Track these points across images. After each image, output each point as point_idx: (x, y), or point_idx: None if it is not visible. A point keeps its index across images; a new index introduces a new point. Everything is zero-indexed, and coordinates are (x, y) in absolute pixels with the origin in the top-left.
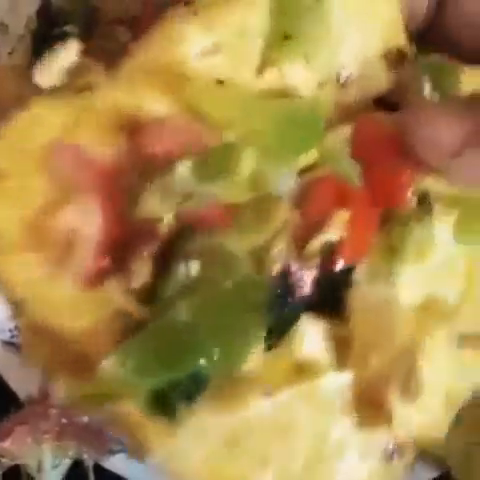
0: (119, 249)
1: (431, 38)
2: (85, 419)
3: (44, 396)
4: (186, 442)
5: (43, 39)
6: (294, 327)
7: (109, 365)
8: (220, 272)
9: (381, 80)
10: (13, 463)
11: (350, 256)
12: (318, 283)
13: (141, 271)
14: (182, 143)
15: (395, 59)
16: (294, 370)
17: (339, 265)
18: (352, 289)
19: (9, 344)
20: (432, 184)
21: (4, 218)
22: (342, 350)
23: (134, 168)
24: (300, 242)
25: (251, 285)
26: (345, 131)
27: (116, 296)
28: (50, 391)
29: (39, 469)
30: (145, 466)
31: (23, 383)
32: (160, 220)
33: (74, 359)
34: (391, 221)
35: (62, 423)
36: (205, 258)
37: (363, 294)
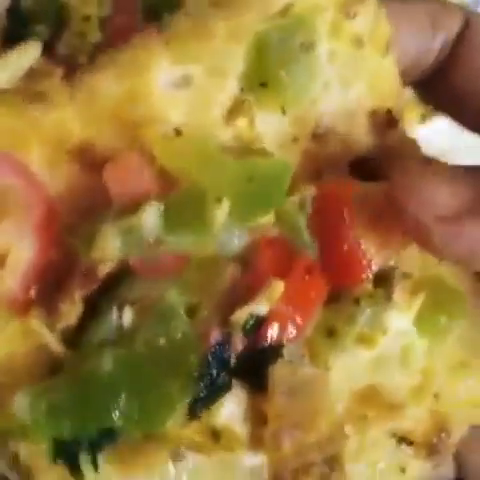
0: (50, 282)
1: (435, 87)
2: None
3: None
4: None
5: (13, 38)
6: (221, 397)
7: (20, 402)
8: (155, 326)
9: (362, 140)
10: None
11: (279, 332)
12: (244, 354)
13: (69, 312)
14: (144, 184)
15: (383, 121)
16: (210, 438)
17: (265, 340)
18: (277, 366)
19: None
20: (400, 262)
21: None
22: (259, 427)
23: (88, 202)
24: (231, 308)
25: (185, 348)
26: (309, 193)
27: (39, 331)
28: None
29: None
30: None
31: None
32: (106, 262)
33: None
34: (341, 299)
35: None
36: (142, 308)
37: (289, 372)
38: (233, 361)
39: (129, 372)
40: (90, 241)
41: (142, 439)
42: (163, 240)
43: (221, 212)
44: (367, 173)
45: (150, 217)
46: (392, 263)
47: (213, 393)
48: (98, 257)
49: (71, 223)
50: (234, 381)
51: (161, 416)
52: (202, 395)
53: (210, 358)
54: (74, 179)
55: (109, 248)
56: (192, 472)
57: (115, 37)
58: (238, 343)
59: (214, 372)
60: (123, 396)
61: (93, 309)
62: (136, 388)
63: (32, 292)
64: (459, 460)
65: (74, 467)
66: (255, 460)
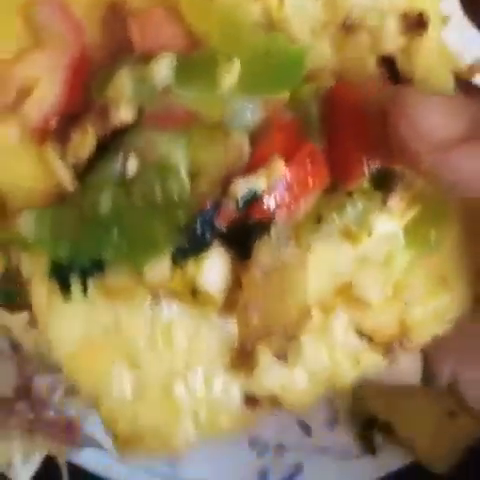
0: (68, 118)
1: None
2: (52, 413)
3: (17, 395)
4: (70, 316)
5: None
6: (202, 253)
7: (26, 218)
8: (155, 178)
9: (392, 39)
10: None
11: (271, 211)
12: (235, 225)
13: (81, 145)
14: (165, 39)
15: (413, 23)
16: (189, 293)
17: (256, 215)
18: (263, 241)
19: None
20: (406, 171)
21: None
22: (234, 294)
23: (112, 48)
24: (231, 180)
25: (178, 203)
26: (327, 84)
27: (52, 160)
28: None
29: (9, 465)
30: (114, 461)
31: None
32: (119, 106)
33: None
34: (335, 191)
35: (30, 418)
36: (146, 159)
37: (272, 249)
38: (222, 229)
39: (123, 212)
40: (107, 83)
41: (127, 277)
42: (172, 92)
43: (230, 72)
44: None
45: (163, 67)
46: (398, 169)
47: (195, 248)
48: (111, 97)
49: (96, 68)
50: (220, 248)
51: (146, 255)
52: (185, 246)
53: (199, 217)
54: (106, 27)
55: (122, 90)
56: (168, 316)
57: None
58: (230, 212)
59: (200, 230)
60: (115, 231)
61: (103, 156)
62: (127, 227)
63: (51, 124)
64: (454, 376)
65: (64, 287)
66: (226, 324)
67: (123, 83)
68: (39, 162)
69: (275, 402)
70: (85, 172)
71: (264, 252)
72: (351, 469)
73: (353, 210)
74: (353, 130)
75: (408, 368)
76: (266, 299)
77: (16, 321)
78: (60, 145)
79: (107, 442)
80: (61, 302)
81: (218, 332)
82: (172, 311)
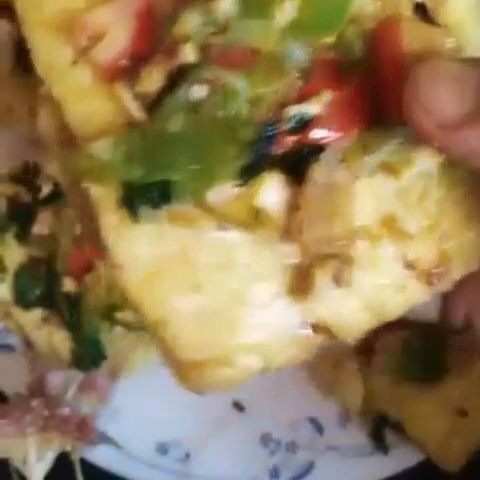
0: (137, 59)
1: None
2: (67, 410)
3: (31, 392)
4: (138, 242)
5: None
6: (260, 175)
7: (102, 144)
8: (219, 103)
9: None
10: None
11: (322, 136)
12: (288, 151)
13: (150, 80)
14: None
15: None
16: (250, 216)
17: (308, 140)
18: (316, 165)
19: None
20: None
21: None
22: (291, 216)
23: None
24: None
25: (244, 122)
26: (371, 26)
27: (122, 95)
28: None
29: (25, 462)
30: (131, 459)
31: (12, 383)
32: (185, 43)
33: (70, 138)
34: (379, 126)
35: (44, 415)
36: (212, 87)
37: (324, 172)
38: (279, 153)
39: (193, 135)
40: (173, 23)
41: (193, 204)
42: (235, 27)
43: (286, 8)
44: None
45: (227, 2)
46: None
47: (255, 170)
48: (177, 35)
49: (163, 12)
50: (278, 172)
51: (213, 177)
52: (246, 168)
53: (258, 142)
54: None
55: (187, 28)
56: (231, 241)
57: None
58: (285, 137)
59: (259, 153)
60: (183, 153)
61: (170, 90)
62: (196, 148)
63: (121, 64)
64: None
65: (134, 214)
66: (285, 247)
67: (189, 21)
68: (110, 99)
69: (329, 330)
70: (154, 105)
71: (317, 173)
72: (363, 467)
73: (395, 144)
74: (394, 70)
75: (427, 304)
76: (320, 221)
77: (29, 318)
78: (129, 81)
79: (120, 439)
80: (130, 229)
81: (279, 256)
82: (235, 236)
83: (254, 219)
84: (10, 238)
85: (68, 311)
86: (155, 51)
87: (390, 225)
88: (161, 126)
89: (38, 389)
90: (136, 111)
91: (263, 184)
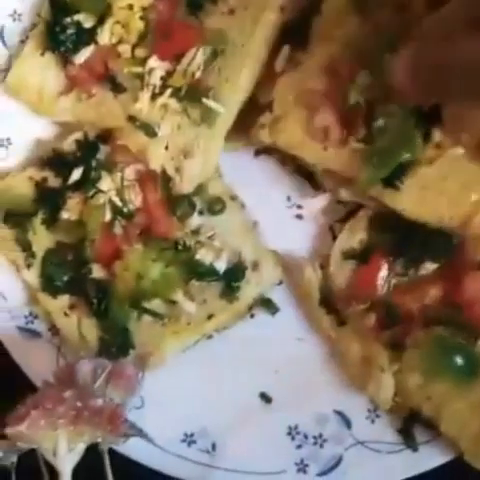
0: None
1: None
2: (100, 402)
3: (59, 381)
4: None
5: (55, 28)
6: None
7: None
8: None
9: None
10: (29, 447)
11: None
12: None
13: None
14: None
15: None
16: None
17: None
18: None
19: (25, 330)
20: None
21: None
22: None
23: None
24: None
25: None
26: None
27: None
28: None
29: (54, 453)
30: (158, 450)
31: (39, 369)
32: None
33: None
34: None
35: (77, 407)
36: None
37: None
38: None
39: None
40: None
41: None
42: None
43: None
44: None
45: None
46: None
47: None
48: None
49: None
50: None
51: None
52: None
53: None
54: None
55: None
56: None
57: (158, 27)
58: None
59: None
60: None
61: None
62: None
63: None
64: None
65: None
66: None
67: None
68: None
69: None
70: None
71: None
72: (391, 463)
73: None
74: None
75: None
76: None
77: (57, 304)
78: None
79: (147, 429)
80: None
81: None
82: None
83: None
84: (38, 224)
85: (96, 298)
86: None
87: None
88: None
89: (67, 378)
90: None
91: None
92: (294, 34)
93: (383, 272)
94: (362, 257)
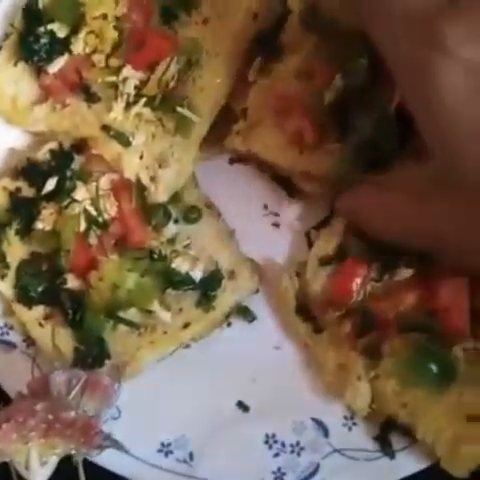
0: None
1: None
2: (72, 414)
3: (33, 392)
4: None
5: (28, 37)
6: None
7: None
8: None
9: None
10: (1, 460)
11: None
12: None
13: None
14: None
15: None
16: None
17: None
18: None
19: (0, 341)
20: None
21: None
22: None
23: None
24: None
25: None
26: None
27: None
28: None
29: (27, 467)
30: (135, 461)
31: (14, 380)
32: None
33: None
34: None
35: (48, 419)
36: None
37: None
38: None
39: None
40: None
41: None
42: None
43: None
44: None
45: None
46: None
47: None
48: None
49: None
50: None
51: None
52: None
53: None
54: None
55: None
56: None
57: (132, 37)
58: None
59: None
60: None
61: None
62: None
63: None
64: None
65: None
66: None
67: None
68: None
69: None
70: None
71: None
72: (369, 471)
73: None
74: None
75: None
76: None
77: (32, 315)
78: None
79: (123, 440)
80: None
81: None
82: None
83: None
84: (12, 234)
85: (71, 309)
86: None
87: None
88: None
89: (41, 389)
90: None
91: None
92: (267, 44)
93: (358, 278)
94: (338, 263)
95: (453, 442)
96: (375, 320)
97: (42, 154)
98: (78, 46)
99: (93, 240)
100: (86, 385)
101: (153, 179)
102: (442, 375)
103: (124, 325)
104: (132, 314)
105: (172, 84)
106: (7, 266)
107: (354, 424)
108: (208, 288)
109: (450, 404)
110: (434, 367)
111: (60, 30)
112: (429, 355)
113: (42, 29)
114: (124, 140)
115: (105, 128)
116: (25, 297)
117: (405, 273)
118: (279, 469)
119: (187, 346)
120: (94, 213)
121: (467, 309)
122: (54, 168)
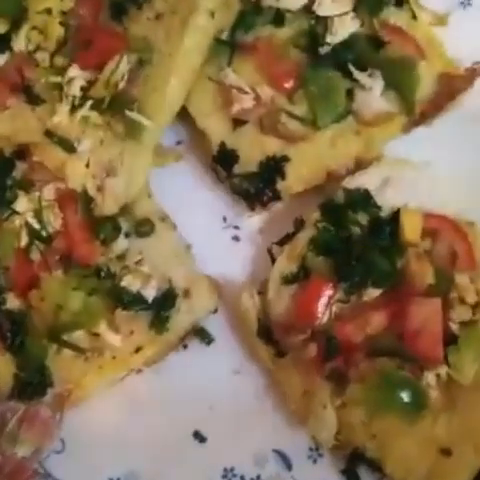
0: None
1: None
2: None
3: None
4: None
5: None
6: None
7: None
8: None
9: None
10: None
11: None
12: None
13: None
14: None
15: None
16: None
17: None
18: None
19: None
20: None
21: None
22: None
23: None
24: None
25: None
26: None
27: None
28: None
29: None
30: None
31: None
32: None
33: None
34: None
35: None
36: None
37: None
38: None
39: None
40: None
41: None
42: None
43: None
44: None
45: None
46: None
47: None
48: None
49: None
50: None
51: None
52: None
53: None
54: None
55: None
56: None
57: (79, 33)
58: None
59: None
60: None
61: None
62: None
63: None
64: None
65: None
66: None
67: None
68: None
69: None
70: None
71: None
72: None
73: None
74: None
75: None
76: None
77: None
78: None
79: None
80: None
81: None
82: None
83: None
84: None
85: (11, 332)
86: None
87: None
88: None
89: None
90: None
91: None
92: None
93: (324, 298)
94: (301, 282)
95: (425, 478)
96: (341, 343)
97: None
98: (19, 43)
99: (35, 256)
100: (23, 419)
101: (100, 189)
102: (413, 403)
103: (69, 349)
104: (78, 337)
105: (122, 85)
106: None
107: (319, 456)
108: (161, 308)
109: (422, 435)
110: (404, 395)
111: None
112: (399, 381)
113: None
114: (68, 146)
115: (48, 133)
116: None
117: (373, 293)
118: None
119: (139, 371)
120: (37, 226)
121: (440, 332)
122: None
